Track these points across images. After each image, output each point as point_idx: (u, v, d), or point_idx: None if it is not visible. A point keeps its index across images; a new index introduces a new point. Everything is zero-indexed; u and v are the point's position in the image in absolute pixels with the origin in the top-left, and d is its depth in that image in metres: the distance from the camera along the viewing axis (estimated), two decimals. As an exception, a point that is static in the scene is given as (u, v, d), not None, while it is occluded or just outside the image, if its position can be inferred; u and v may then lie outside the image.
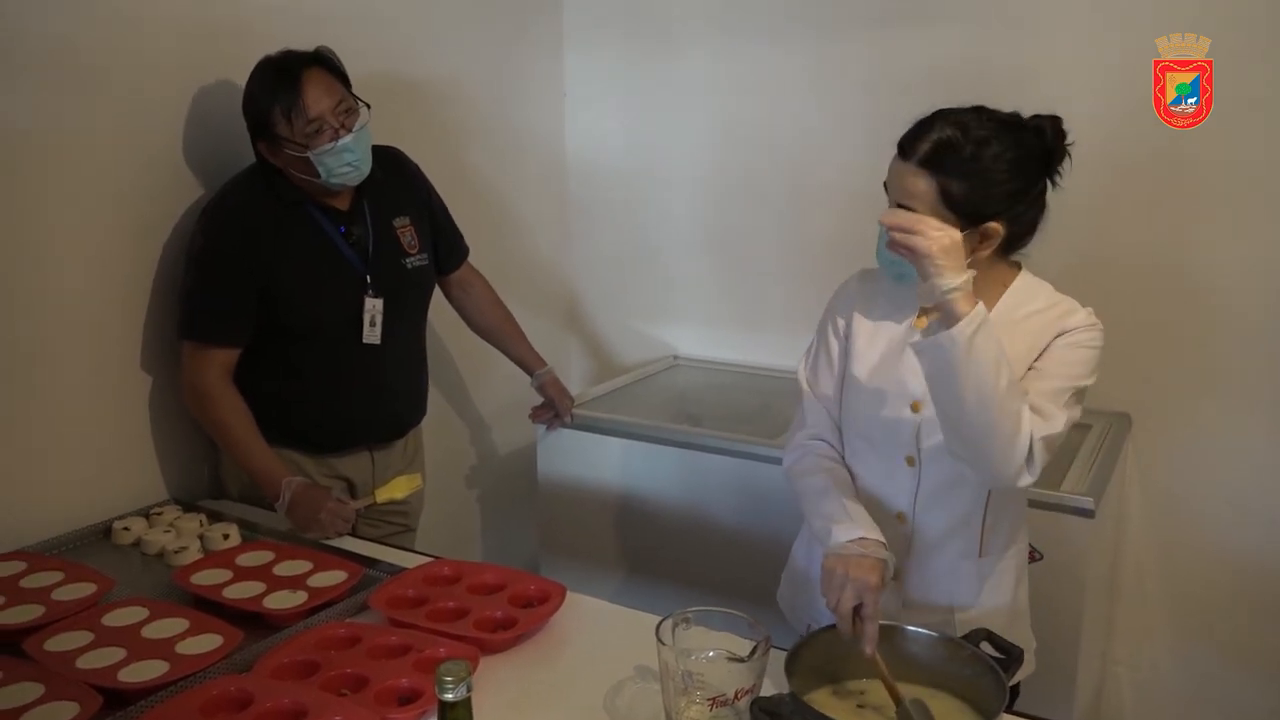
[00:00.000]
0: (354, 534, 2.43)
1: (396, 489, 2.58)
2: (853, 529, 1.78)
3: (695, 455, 3.03)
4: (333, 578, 2.08)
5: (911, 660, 1.67)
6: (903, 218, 1.65)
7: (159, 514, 2.42)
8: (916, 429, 1.86)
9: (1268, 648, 3.02)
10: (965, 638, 1.67)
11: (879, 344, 1.92)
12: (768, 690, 1.56)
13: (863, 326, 1.95)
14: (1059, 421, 1.73)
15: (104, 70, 2.37)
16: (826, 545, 1.79)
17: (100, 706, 1.61)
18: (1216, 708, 3.14)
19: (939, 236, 1.61)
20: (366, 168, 2.46)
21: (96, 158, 2.38)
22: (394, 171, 2.67)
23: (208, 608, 1.96)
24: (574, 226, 4.05)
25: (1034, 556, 2.32)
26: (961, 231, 1.71)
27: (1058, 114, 1.79)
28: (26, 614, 1.90)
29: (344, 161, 2.38)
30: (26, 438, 2.30)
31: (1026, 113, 1.79)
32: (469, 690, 1.21)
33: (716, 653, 1.58)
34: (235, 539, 2.30)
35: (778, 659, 1.60)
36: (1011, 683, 1.65)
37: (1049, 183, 1.80)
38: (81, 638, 1.81)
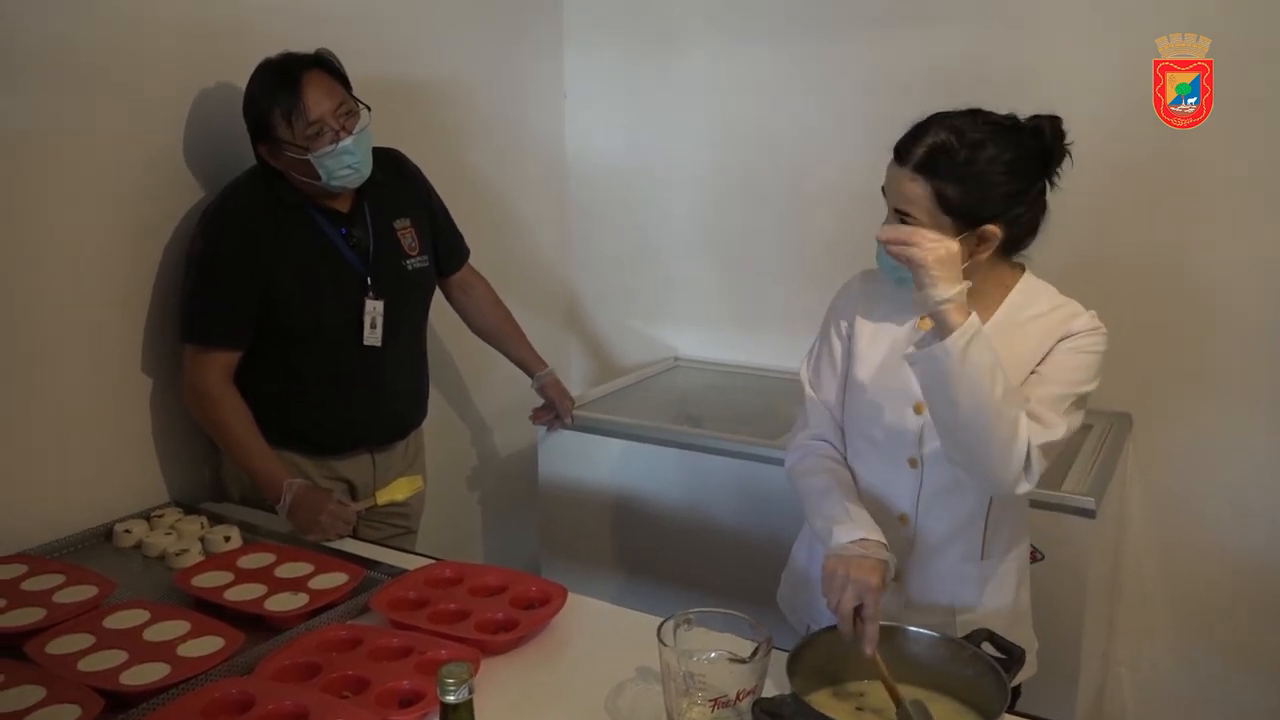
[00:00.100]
0: (355, 536, 2.44)
1: (397, 491, 2.58)
2: (854, 530, 1.78)
3: (696, 456, 3.03)
4: (334, 580, 2.08)
5: (912, 661, 1.67)
6: (898, 232, 1.66)
7: (160, 516, 2.42)
8: (919, 431, 1.86)
9: (1269, 648, 3.02)
10: (966, 638, 1.68)
11: (881, 346, 1.92)
12: (769, 691, 1.56)
13: (865, 328, 1.95)
14: (1059, 430, 1.73)
15: (104, 70, 2.37)
16: (828, 546, 1.79)
17: (102, 709, 1.60)
18: (1218, 708, 3.13)
19: (934, 247, 1.61)
20: (367, 170, 2.46)
21: (96, 158, 2.38)
22: (394, 173, 2.66)
23: (209, 610, 1.97)
24: (574, 227, 4.06)
25: (1035, 557, 2.31)
26: (959, 235, 1.71)
27: (1058, 114, 1.79)
28: (28, 617, 1.89)
29: (344, 164, 2.38)
30: (27, 440, 2.30)
31: (1026, 113, 1.78)
32: (471, 692, 1.21)
33: (718, 654, 1.57)
34: (236, 541, 2.30)
35: (779, 660, 1.60)
36: (1013, 684, 1.65)
37: (1048, 184, 1.80)
38: (83, 640, 1.81)
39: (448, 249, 2.84)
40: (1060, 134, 1.77)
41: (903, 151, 1.76)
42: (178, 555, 2.22)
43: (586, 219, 4.03)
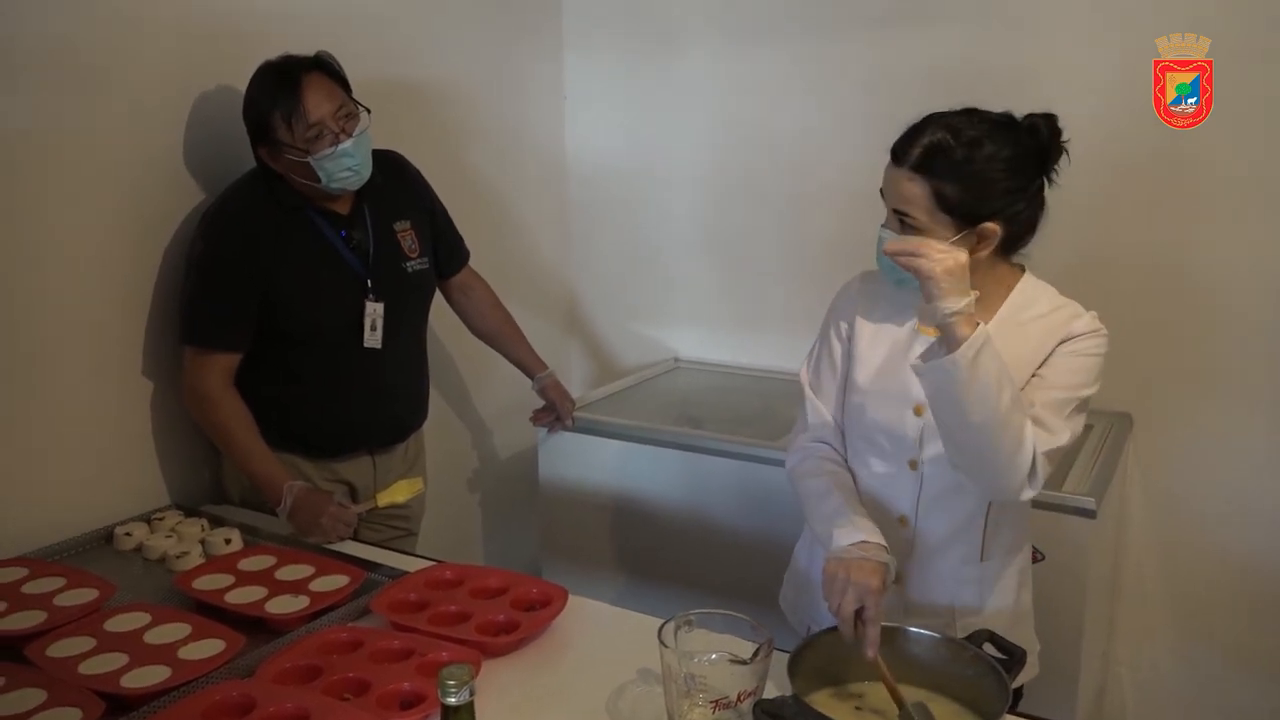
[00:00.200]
0: (355, 538, 2.44)
1: (398, 493, 2.58)
2: (854, 532, 1.77)
3: (696, 457, 3.03)
4: (334, 582, 2.08)
5: (913, 662, 1.68)
6: (906, 243, 1.65)
7: (160, 519, 2.42)
8: (919, 433, 1.86)
9: (1269, 648, 3.01)
10: (967, 639, 1.68)
11: (881, 347, 1.92)
12: (770, 692, 1.56)
13: (865, 329, 1.94)
14: (1062, 435, 1.73)
15: (104, 71, 2.37)
16: (828, 549, 1.78)
17: (103, 712, 1.61)
18: (1218, 708, 3.13)
19: (942, 258, 1.60)
20: (367, 172, 2.46)
21: (96, 159, 2.38)
22: (394, 175, 2.66)
23: (210, 613, 1.97)
24: (574, 228, 4.06)
25: (1036, 557, 2.31)
26: (958, 233, 1.71)
27: (1057, 113, 1.79)
28: (28, 620, 1.89)
29: (344, 166, 2.38)
30: (27, 442, 2.30)
31: (1026, 113, 1.78)
32: (471, 694, 1.21)
33: (719, 655, 1.57)
34: (237, 544, 2.30)
35: (780, 661, 1.60)
36: (1015, 685, 1.65)
37: (1045, 181, 1.80)
38: (84, 643, 1.81)
39: (448, 251, 2.84)
40: (1057, 131, 1.77)
41: (900, 152, 1.76)
42: (178, 558, 2.22)
43: (586, 220, 4.03)
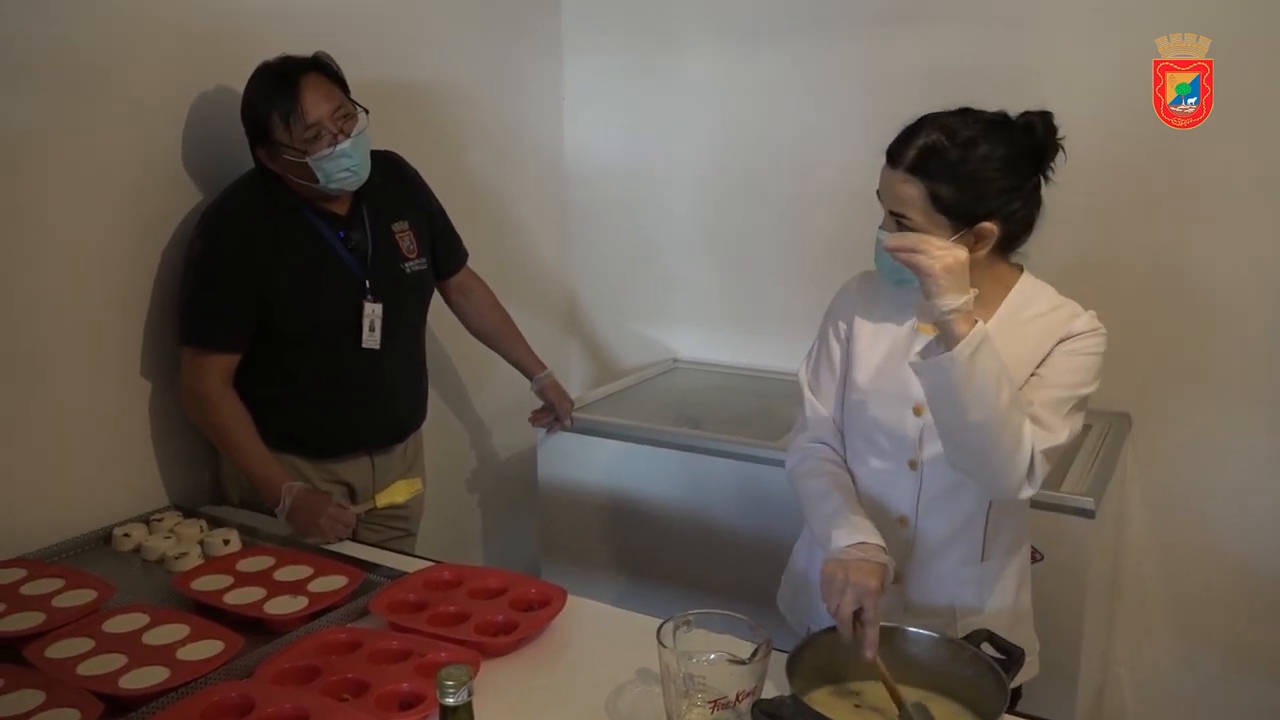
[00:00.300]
0: (354, 539, 2.44)
1: (397, 493, 2.58)
2: (852, 534, 1.77)
3: (695, 458, 3.03)
4: (333, 583, 2.08)
5: (912, 661, 1.68)
6: (905, 239, 1.65)
7: (159, 520, 2.42)
8: (919, 433, 1.86)
9: (1269, 648, 3.01)
10: (966, 638, 1.68)
11: (881, 347, 1.92)
12: (769, 692, 1.56)
13: (864, 329, 1.94)
14: (1061, 434, 1.73)
15: (104, 72, 2.37)
16: (826, 550, 1.78)
17: (101, 713, 1.60)
18: (1217, 708, 3.13)
19: (942, 255, 1.60)
20: (365, 173, 2.46)
21: (96, 159, 2.38)
22: (393, 176, 2.66)
23: (208, 613, 1.97)
24: (573, 229, 4.05)
25: (1035, 557, 2.31)
26: (955, 234, 1.71)
27: (1052, 111, 1.78)
28: (27, 621, 1.89)
29: (342, 167, 2.38)
30: (26, 443, 2.30)
31: (1035, 110, 1.79)
32: (470, 695, 1.21)
33: (717, 655, 1.57)
34: (235, 544, 2.29)
35: (779, 661, 1.60)
36: (1014, 685, 1.65)
37: (1042, 179, 1.80)
38: (82, 644, 1.81)
39: (446, 251, 2.83)
40: (1052, 129, 1.77)
41: (895, 154, 1.76)
42: (177, 559, 2.22)
43: (586, 220, 4.03)
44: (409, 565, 2.22)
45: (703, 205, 3.77)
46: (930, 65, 3.15)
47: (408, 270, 2.63)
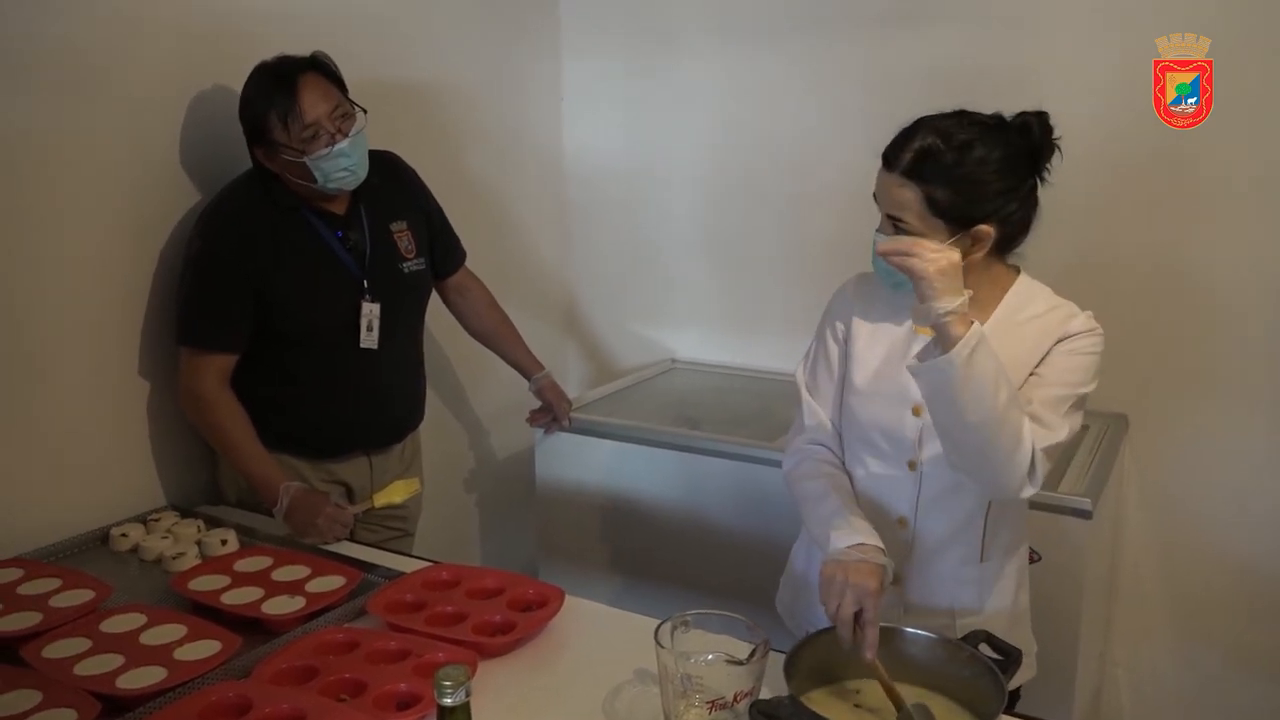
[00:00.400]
0: (352, 539, 2.44)
1: (394, 493, 2.58)
2: (851, 535, 1.76)
3: (693, 458, 3.03)
4: (331, 583, 2.08)
5: (910, 662, 1.67)
6: (898, 243, 1.65)
7: (157, 520, 2.41)
8: (918, 434, 1.86)
9: (1267, 649, 3.01)
10: (964, 639, 1.67)
11: (879, 348, 1.92)
12: (767, 693, 1.56)
13: (862, 329, 1.94)
14: (1061, 432, 1.73)
15: (103, 71, 2.37)
16: (825, 552, 1.77)
17: (98, 713, 1.60)
18: (1215, 709, 3.13)
19: (936, 258, 1.60)
20: (363, 172, 2.46)
21: (96, 159, 2.38)
22: (390, 176, 2.66)
23: (206, 613, 1.97)
24: (572, 229, 4.05)
25: (1032, 558, 2.32)
26: (952, 236, 1.71)
27: (1052, 112, 1.78)
28: (24, 621, 1.89)
29: (340, 166, 2.38)
30: (23, 443, 2.30)
31: (1031, 110, 1.78)
32: (468, 695, 1.21)
33: (715, 655, 1.57)
34: (233, 545, 2.29)
35: (776, 661, 1.59)
36: (1012, 687, 1.65)
37: (1038, 179, 1.80)
38: (79, 644, 1.81)
39: (444, 251, 2.83)
40: (1048, 129, 1.77)
41: (891, 157, 1.76)
42: (174, 559, 2.21)
43: (584, 221, 4.03)
44: (407, 565, 2.22)
45: (702, 205, 3.77)
46: (930, 65, 3.15)
47: (406, 270, 2.63)
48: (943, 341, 1.61)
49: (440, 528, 3.31)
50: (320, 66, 2.41)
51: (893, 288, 1.83)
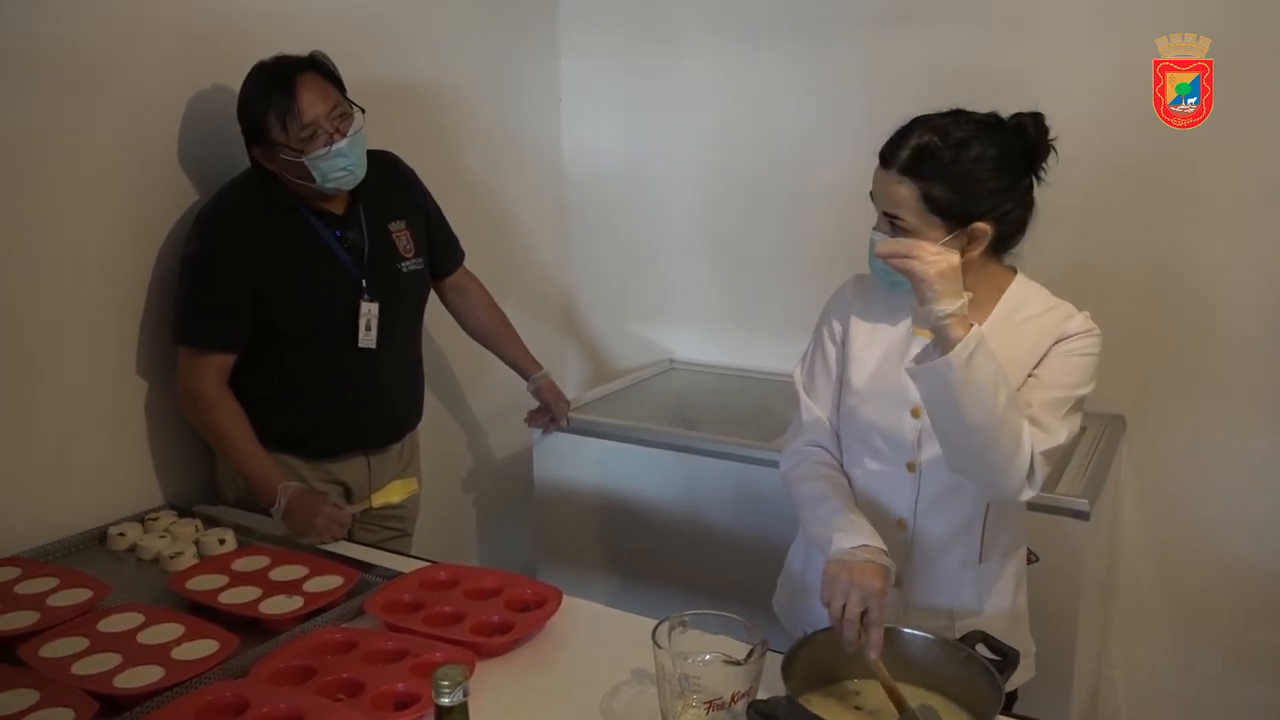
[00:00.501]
0: (350, 539, 2.43)
1: (392, 493, 2.57)
2: (855, 536, 1.76)
3: (692, 459, 3.03)
4: (329, 583, 2.08)
5: (908, 662, 1.67)
6: (898, 245, 1.65)
7: (154, 519, 2.41)
8: (917, 435, 1.86)
9: (1264, 650, 3.01)
10: (961, 639, 1.67)
11: (876, 349, 1.92)
12: (764, 693, 1.56)
13: (860, 330, 1.94)
14: (1060, 434, 1.73)
15: (103, 71, 2.37)
16: (827, 553, 1.76)
17: (96, 712, 1.60)
18: (1213, 710, 3.13)
19: (936, 260, 1.60)
20: (361, 172, 2.46)
21: (96, 159, 2.38)
22: (389, 176, 2.66)
23: (203, 613, 1.97)
24: (571, 230, 4.05)
25: (1030, 559, 2.32)
26: (949, 234, 1.72)
27: (1052, 114, 1.78)
28: (21, 620, 1.89)
29: (338, 166, 2.38)
30: (21, 442, 2.30)
31: (1026, 111, 1.79)
32: (465, 695, 1.20)
33: (713, 656, 1.57)
34: (231, 544, 2.29)
35: (774, 662, 1.59)
36: (1010, 688, 1.65)
37: (1035, 180, 1.80)
38: (77, 644, 1.81)
39: (443, 251, 2.83)
40: (1044, 130, 1.77)
41: (888, 155, 1.76)
42: (172, 558, 2.21)
43: (583, 221, 4.03)
44: (405, 565, 2.22)
45: (701, 206, 3.76)
46: (930, 65, 3.15)
47: (404, 270, 2.63)
48: (942, 344, 1.61)
49: (438, 528, 3.31)
50: (318, 66, 2.41)
51: (890, 287, 1.83)
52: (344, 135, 2.38)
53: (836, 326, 1.98)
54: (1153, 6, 2.85)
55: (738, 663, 1.53)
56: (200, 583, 2.07)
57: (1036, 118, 1.77)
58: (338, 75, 2.45)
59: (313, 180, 2.39)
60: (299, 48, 2.43)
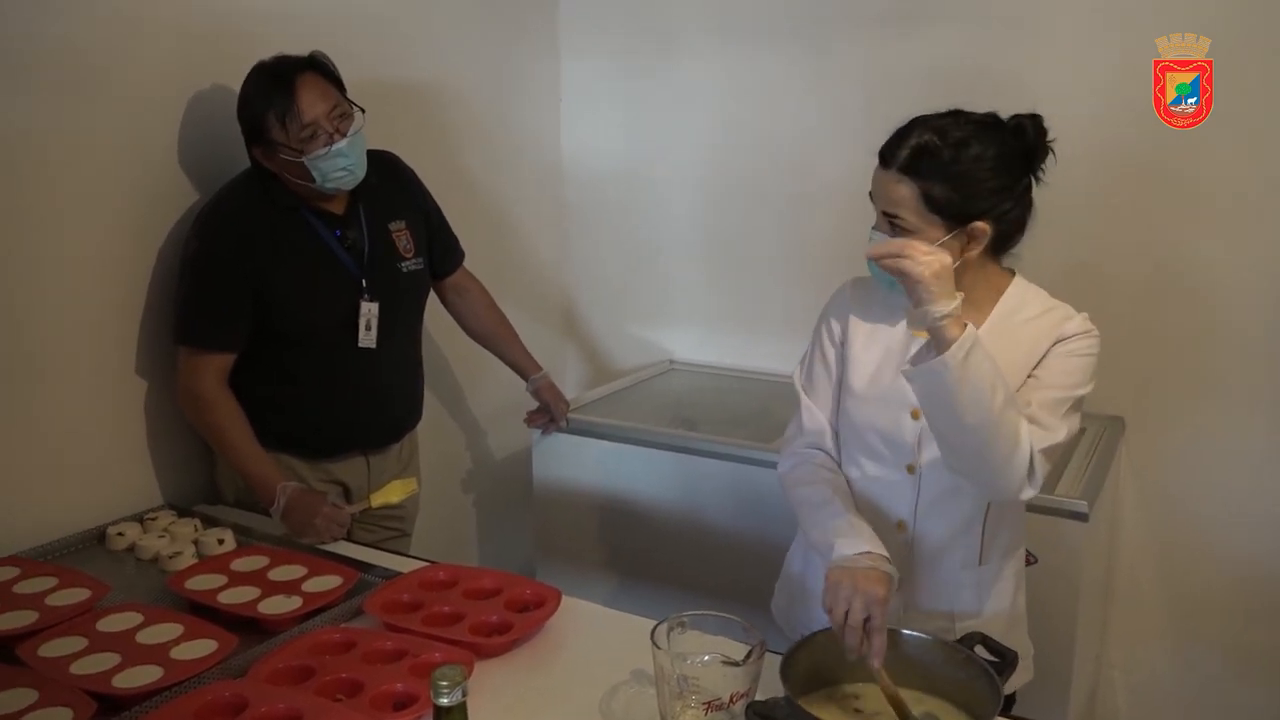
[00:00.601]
0: (349, 539, 2.43)
1: (392, 493, 2.57)
2: (858, 542, 1.75)
3: (691, 459, 3.02)
4: (328, 583, 2.08)
5: (906, 663, 1.67)
6: (889, 245, 1.64)
7: (154, 519, 2.41)
8: (917, 437, 1.86)
9: (1263, 651, 3.01)
10: (960, 641, 1.67)
11: (875, 350, 1.92)
12: (763, 694, 1.56)
13: (859, 330, 1.94)
14: (1059, 433, 1.73)
15: (103, 71, 2.37)
16: (829, 558, 1.75)
17: (94, 712, 1.60)
18: (1212, 711, 3.13)
19: (930, 261, 1.59)
20: (361, 172, 2.46)
21: (95, 159, 2.38)
22: (389, 176, 2.66)
23: (202, 613, 1.97)
24: (571, 230, 4.05)
25: (1029, 560, 2.31)
26: (948, 233, 1.72)
27: (1052, 114, 1.79)
28: (20, 620, 1.89)
29: (338, 166, 2.38)
30: (21, 441, 2.29)
31: (1021, 112, 1.79)
32: (464, 695, 1.20)
33: (711, 657, 1.57)
34: (230, 544, 2.29)
35: (772, 663, 1.59)
36: (1009, 690, 1.65)
37: (1033, 180, 1.80)
38: (75, 643, 1.81)
39: (442, 251, 2.83)
40: (1042, 131, 1.77)
41: (887, 155, 1.76)
42: (171, 558, 2.21)
43: (583, 222, 4.03)
44: (404, 565, 2.22)
45: (701, 206, 3.76)
46: (930, 65, 3.14)
47: (404, 270, 2.63)
48: (937, 345, 1.61)
49: (437, 528, 3.31)
50: (318, 66, 2.41)
51: (889, 287, 1.82)
52: (344, 135, 2.38)
53: (835, 327, 1.98)
54: (1153, 6, 2.85)
55: (736, 663, 1.53)
56: (199, 583, 2.07)
57: (1035, 119, 1.77)
58: (338, 75, 2.45)
59: (313, 180, 2.39)
60: (299, 48, 2.43)
